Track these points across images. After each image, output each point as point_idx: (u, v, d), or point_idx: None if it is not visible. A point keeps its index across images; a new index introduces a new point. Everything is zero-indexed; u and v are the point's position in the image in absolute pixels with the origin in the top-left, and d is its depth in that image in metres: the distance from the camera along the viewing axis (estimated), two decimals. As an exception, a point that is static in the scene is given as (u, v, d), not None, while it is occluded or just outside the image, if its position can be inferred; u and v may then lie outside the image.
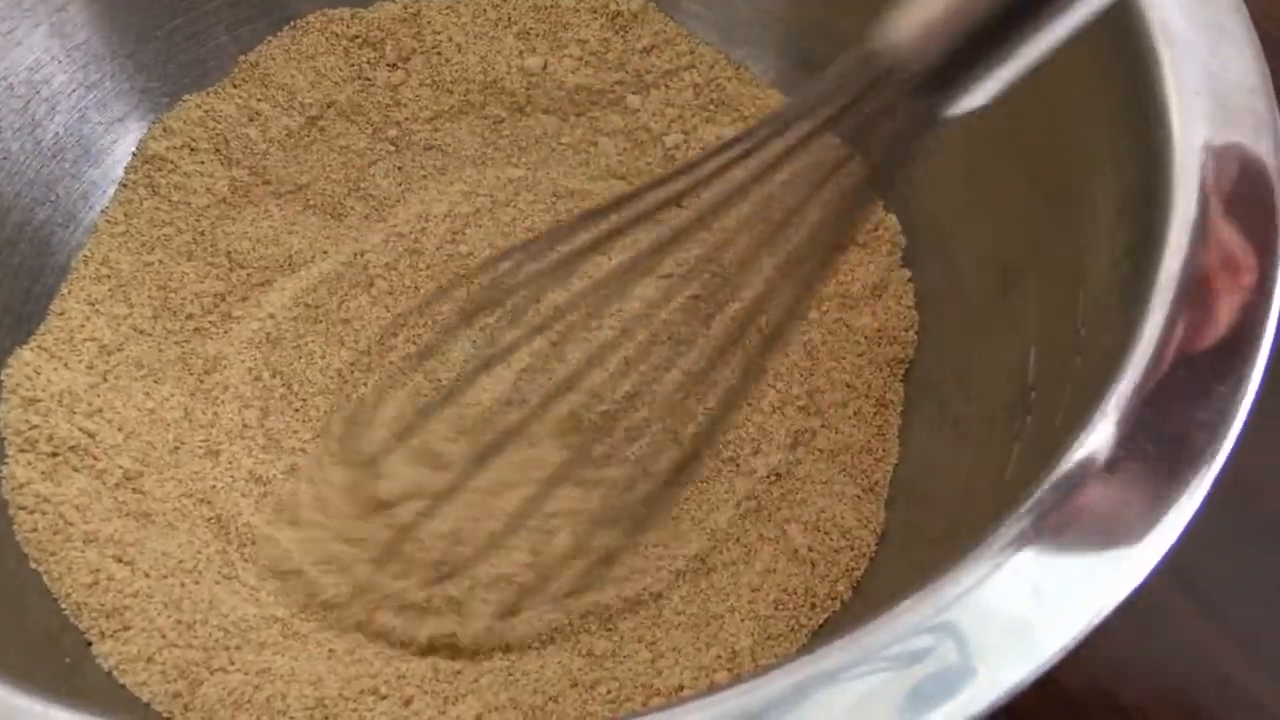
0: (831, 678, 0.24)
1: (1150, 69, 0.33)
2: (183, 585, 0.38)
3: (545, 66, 0.49)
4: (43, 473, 0.39)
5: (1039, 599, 0.25)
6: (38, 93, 0.44)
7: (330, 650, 0.37)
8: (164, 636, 0.37)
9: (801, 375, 0.43)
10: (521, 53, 0.49)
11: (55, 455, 0.40)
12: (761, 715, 0.24)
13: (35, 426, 0.40)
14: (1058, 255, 0.37)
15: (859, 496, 0.40)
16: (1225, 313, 0.29)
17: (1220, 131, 0.32)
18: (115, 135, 0.46)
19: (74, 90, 0.45)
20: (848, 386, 0.43)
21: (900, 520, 0.40)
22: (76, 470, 0.40)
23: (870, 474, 0.41)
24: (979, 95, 0.25)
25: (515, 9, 0.49)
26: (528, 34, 0.49)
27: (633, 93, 0.49)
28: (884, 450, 0.42)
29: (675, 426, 0.39)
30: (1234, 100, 0.33)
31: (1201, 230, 0.30)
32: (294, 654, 0.37)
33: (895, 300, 0.44)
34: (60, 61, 0.44)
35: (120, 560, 0.38)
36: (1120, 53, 0.34)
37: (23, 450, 0.40)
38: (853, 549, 0.39)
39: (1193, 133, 0.32)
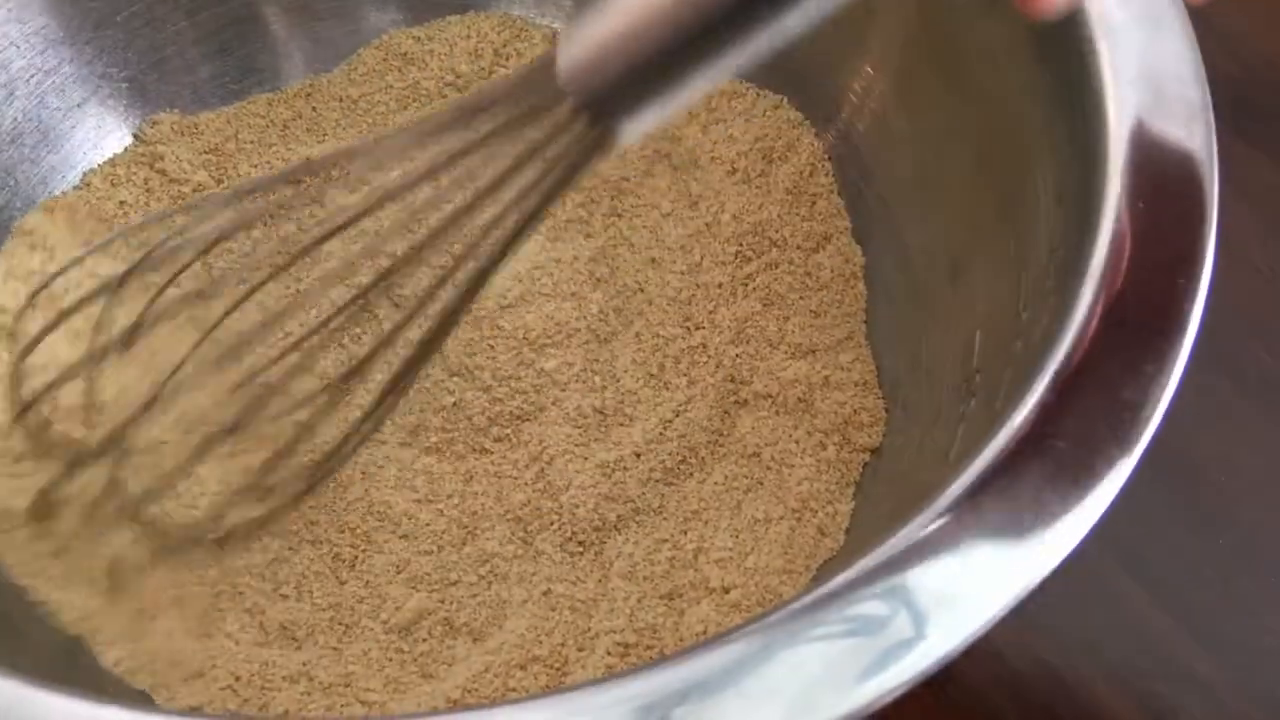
0: (768, 647, 0.25)
1: (1088, 59, 0.34)
2: None
3: None
4: None
5: (967, 571, 0.26)
6: (-5, 77, 0.44)
7: None
8: None
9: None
10: None
11: None
12: (703, 689, 0.25)
13: None
14: (1002, 242, 0.38)
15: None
16: (1153, 297, 0.30)
17: (1155, 120, 0.33)
18: (74, 120, 0.46)
19: (32, 75, 0.45)
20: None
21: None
22: None
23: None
24: (642, 125, 0.25)
25: None
26: None
27: None
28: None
29: None
30: (1168, 90, 0.33)
31: (1133, 216, 0.31)
32: None
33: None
34: (18, 46, 0.44)
35: None
36: (1060, 43, 0.35)
37: None
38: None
39: (1127, 121, 0.33)
